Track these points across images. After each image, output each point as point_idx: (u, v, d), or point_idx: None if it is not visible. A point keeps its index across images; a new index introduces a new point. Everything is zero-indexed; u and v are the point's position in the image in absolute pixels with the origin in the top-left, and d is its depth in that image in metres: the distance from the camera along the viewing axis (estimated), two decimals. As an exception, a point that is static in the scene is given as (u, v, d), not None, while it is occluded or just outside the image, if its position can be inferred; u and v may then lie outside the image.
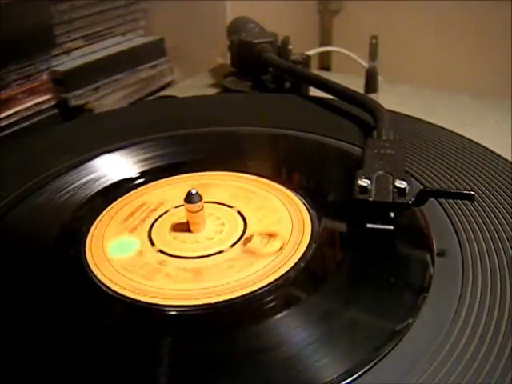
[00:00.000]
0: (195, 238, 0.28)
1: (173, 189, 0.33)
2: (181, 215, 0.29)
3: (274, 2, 0.76)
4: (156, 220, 0.30)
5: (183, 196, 0.28)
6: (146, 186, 0.33)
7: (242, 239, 0.28)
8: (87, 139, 0.39)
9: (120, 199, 0.32)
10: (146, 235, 0.28)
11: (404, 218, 0.27)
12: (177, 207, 0.31)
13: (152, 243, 0.28)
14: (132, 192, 0.33)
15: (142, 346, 0.21)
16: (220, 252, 0.27)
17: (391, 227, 0.26)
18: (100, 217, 0.30)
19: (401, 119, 0.39)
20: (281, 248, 0.27)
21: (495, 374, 0.18)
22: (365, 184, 0.26)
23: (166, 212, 0.30)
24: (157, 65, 0.66)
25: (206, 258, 0.26)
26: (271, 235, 0.28)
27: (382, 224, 0.26)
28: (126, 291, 0.24)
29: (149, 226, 0.29)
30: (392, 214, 0.26)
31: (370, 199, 0.26)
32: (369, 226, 0.26)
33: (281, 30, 0.55)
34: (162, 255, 0.27)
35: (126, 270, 0.26)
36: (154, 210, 0.31)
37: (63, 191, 0.32)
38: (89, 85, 0.57)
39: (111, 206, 0.31)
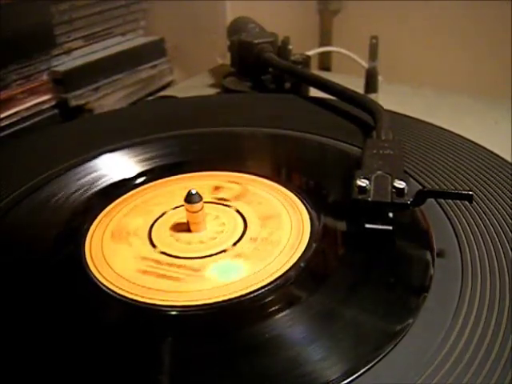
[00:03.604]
0: (198, 238, 0.28)
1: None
2: (180, 216, 0.29)
3: (274, 1, 0.76)
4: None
5: (181, 197, 0.28)
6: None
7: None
8: (87, 139, 0.39)
9: (115, 202, 0.32)
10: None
11: (404, 219, 0.27)
12: (175, 208, 0.31)
13: (153, 245, 0.28)
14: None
15: (142, 346, 0.21)
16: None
17: (390, 227, 0.26)
18: (100, 217, 0.30)
19: (401, 119, 0.39)
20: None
21: (495, 374, 0.18)
22: (363, 184, 0.26)
23: (164, 213, 0.30)
24: (157, 65, 0.66)
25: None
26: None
27: (380, 224, 0.26)
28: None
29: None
30: (391, 215, 0.26)
31: (369, 199, 0.26)
32: (367, 226, 0.26)
33: (281, 30, 0.55)
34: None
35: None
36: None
37: (63, 191, 0.32)
38: (89, 85, 0.57)
39: (110, 206, 0.31)
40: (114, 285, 0.25)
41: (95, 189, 0.33)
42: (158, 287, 0.25)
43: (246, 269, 0.25)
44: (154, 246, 0.28)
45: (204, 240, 0.28)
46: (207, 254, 0.27)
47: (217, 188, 0.32)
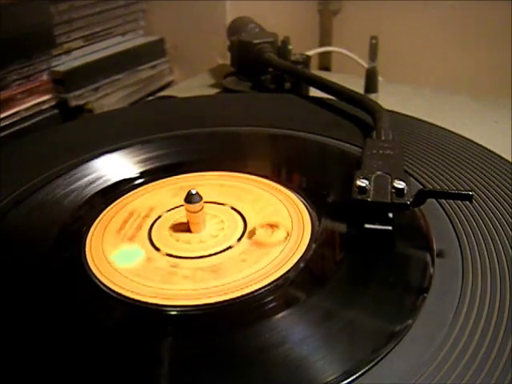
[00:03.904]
0: (199, 238, 0.28)
1: (171, 190, 0.33)
2: (179, 216, 0.29)
3: (274, 1, 0.76)
4: (152, 225, 0.30)
5: (181, 197, 0.28)
6: (146, 186, 0.33)
7: (246, 233, 0.28)
8: (87, 139, 0.39)
9: (115, 202, 0.32)
10: (147, 241, 0.28)
11: (404, 219, 0.27)
12: (169, 210, 0.31)
13: (156, 248, 0.28)
14: (130, 193, 0.33)
15: (142, 346, 0.21)
16: (229, 247, 0.27)
17: (389, 227, 0.26)
18: (100, 217, 0.30)
19: (401, 119, 0.39)
20: (287, 236, 0.27)
21: (495, 375, 0.18)
22: (363, 184, 0.26)
23: (159, 217, 0.30)
24: (157, 65, 0.66)
25: (217, 256, 0.27)
26: (273, 225, 0.28)
27: (380, 224, 0.26)
28: (126, 291, 0.24)
29: (147, 231, 0.29)
30: (390, 215, 0.26)
31: (368, 199, 0.26)
32: (367, 226, 0.26)
33: (281, 30, 0.55)
34: (172, 258, 0.27)
35: (140, 276, 0.25)
36: (147, 216, 0.30)
37: (63, 191, 0.32)
38: (89, 85, 0.57)
39: (110, 206, 0.31)
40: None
41: (95, 189, 0.33)
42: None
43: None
44: (155, 247, 0.28)
45: (207, 239, 0.28)
46: (214, 251, 0.27)
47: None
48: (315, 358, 0.20)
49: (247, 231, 0.28)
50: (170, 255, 0.27)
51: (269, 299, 0.23)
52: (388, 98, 0.46)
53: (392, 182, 0.27)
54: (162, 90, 0.66)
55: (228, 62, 0.59)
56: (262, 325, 0.22)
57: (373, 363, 0.19)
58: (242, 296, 0.24)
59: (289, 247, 0.27)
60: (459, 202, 0.28)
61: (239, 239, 0.28)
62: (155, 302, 0.24)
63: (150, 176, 0.34)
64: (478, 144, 0.35)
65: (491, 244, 0.25)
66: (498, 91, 0.71)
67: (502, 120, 0.47)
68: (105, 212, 0.31)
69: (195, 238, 0.28)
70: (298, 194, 0.31)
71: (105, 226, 0.30)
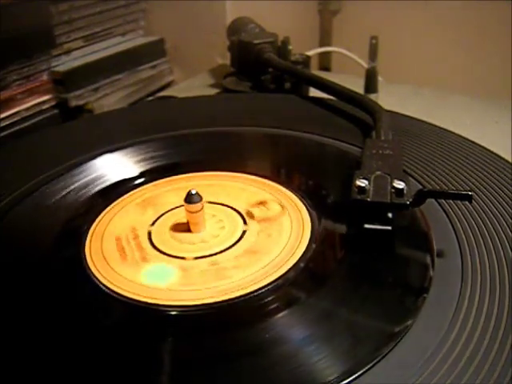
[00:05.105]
0: (199, 238, 0.28)
1: (171, 190, 0.33)
2: (179, 216, 0.29)
3: (274, 2, 0.76)
4: (154, 222, 0.30)
5: (181, 197, 0.28)
6: (146, 186, 0.33)
7: (245, 238, 0.28)
8: (87, 139, 0.39)
9: (115, 202, 0.32)
10: (146, 238, 0.28)
11: (404, 219, 0.27)
12: (174, 208, 0.31)
13: (155, 247, 0.28)
14: (130, 193, 0.33)
15: (141, 346, 0.21)
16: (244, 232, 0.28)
17: (389, 228, 0.26)
18: (100, 217, 0.30)
19: (400, 119, 0.39)
20: (282, 207, 0.29)
21: (494, 375, 0.18)
22: (363, 184, 0.26)
23: (164, 214, 0.30)
24: (157, 65, 0.66)
25: (213, 257, 0.27)
26: (262, 202, 0.28)
27: (379, 224, 0.26)
28: (126, 291, 0.24)
29: (148, 228, 0.29)
30: (390, 215, 0.26)
31: (368, 199, 0.26)
32: (366, 226, 0.26)
33: (281, 30, 0.55)
34: (207, 259, 0.27)
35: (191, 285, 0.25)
36: (136, 237, 0.29)
37: (63, 191, 0.32)
38: (89, 85, 0.57)
39: (110, 206, 0.31)
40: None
41: (95, 189, 0.33)
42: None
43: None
44: (155, 247, 0.28)
45: (209, 238, 0.28)
46: (207, 253, 0.27)
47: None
48: (315, 358, 0.20)
49: (245, 235, 0.28)
50: (170, 255, 0.27)
51: (269, 299, 0.23)
52: (388, 98, 0.46)
53: (392, 182, 0.27)
54: (162, 90, 0.66)
55: (228, 62, 0.59)
56: (262, 325, 0.22)
57: (373, 363, 0.19)
58: (242, 296, 0.24)
59: (289, 247, 0.27)
60: (459, 202, 0.28)
61: (236, 242, 0.28)
62: (155, 302, 0.24)
63: (149, 176, 0.34)
64: (477, 144, 0.35)
65: (491, 244, 0.25)
66: (498, 91, 0.71)
67: (502, 120, 0.47)
68: (105, 212, 0.31)
69: (195, 238, 0.28)
70: (297, 194, 0.31)
71: (108, 221, 0.30)
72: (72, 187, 0.33)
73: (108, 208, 0.31)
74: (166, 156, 0.36)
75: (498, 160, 0.33)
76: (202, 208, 0.28)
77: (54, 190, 0.32)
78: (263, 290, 0.24)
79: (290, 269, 0.25)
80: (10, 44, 0.50)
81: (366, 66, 0.51)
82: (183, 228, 0.29)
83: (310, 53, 0.62)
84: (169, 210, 0.31)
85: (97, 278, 0.25)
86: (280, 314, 0.22)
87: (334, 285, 0.24)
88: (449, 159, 0.33)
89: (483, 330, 0.20)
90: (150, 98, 0.61)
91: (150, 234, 0.29)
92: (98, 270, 0.26)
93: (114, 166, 0.35)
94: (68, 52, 0.58)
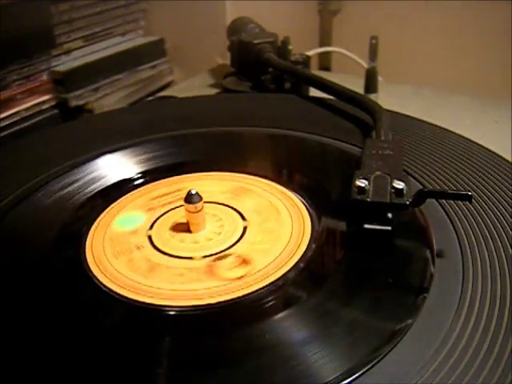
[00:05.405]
0: (198, 238, 0.28)
1: (170, 190, 0.33)
2: (179, 216, 0.29)
3: (274, 2, 0.76)
4: (154, 222, 0.30)
5: (181, 197, 0.28)
6: (146, 187, 0.33)
7: (245, 238, 0.28)
8: (87, 139, 0.39)
9: (115, 203, 0.32)
10: (146, 238, 0.28)
11: (404, 218, 0.27)
12: (174, 208, 0.30)
13: (155, 247, 0.28)
14: (130, 193, 0.33)
15: (141, 346, 0.21)
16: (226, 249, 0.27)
17: (389, 228, 0.26)
18: (100, 217, 0.30)
19: (400, 119, 0.39)
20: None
21: (495, 375, 0.18)
22: (362, 184, 0.26)
23: (163, 214, 0.30)
24: (157, 65, 0.66)
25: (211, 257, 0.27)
26: (245, 262, 0.26)
27: (379, 225, 0.26)
28: (126, 291, 0.24)
29: (148, 228, 0.29)
30: (390, 215, 0.26)
31: (368, 200, 0.26)
32: (366, 226, 0.26)
33: (281, 30, 0.55)
34: (207, 259, 0.27)
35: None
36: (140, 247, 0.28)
37: (63, 191, 0.32)
38: (89, 85, 0.57)
39: (110, 207, 0.31)
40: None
41: (95, 189, 0.33)
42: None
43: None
44: (155, 247, 0.28)
45: (202, 240, 0.28)
46: (207, 254, 0.27)
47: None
48: (315, 358, 0.20)
49: (245, 236, 0.28)
50: (169, 254, 0.27)
51: (269, 299, 0.23)
52: (388, 98, 0.46)
53: (391, 182, 0.27)
54: (162, 90, 0.66)
55: (228, 62, 0.59)
56: (262, 325, 0.22)
57: (373, 363, 0.19)
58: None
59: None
60: (459, 202, 0.28)
61: (237, 241, 0.28)
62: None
63: (149, 176, 0.34)
64: (478, 144, 0.35)
65: (491, 244, 0.25)
66: (498, 91, 0.71)
67: (502, 120, 0.47)
68: (105, 212, 0.31)
69: (195, 238, 0.28)
70: (297, 193, 0.31)
71: (108, 222, 0.30)
72: (72, 187, 0.33)
73: (108, 208, 0.31)
74: (165, 156, 0.36)
75: (498, 160, 0.33)
76: (201, 208, 0.28)
77: (53, 190, 0.32)
78: (263, 290, 0.24)
79: (290, 269, 0.25)
80: (10, 44, 0.50)
81: (365, 66, 0.51)
82: (183, 228, 0.29)
83: (310, 53, 0.62)
84: (169, 210, 0.31)
85: (97, 278, 0.25)
86: (280, 314, 0.22)
87: (334, 285, 0.24)
88: (449, 159, 0.33)
89: (484, 331, 0.20)
90: (150, 98, 0.61)
91: (162, 215, 0.29)
92: (97, 270, 0.26)
93: (113, 166, 0.35)
94: (68, 52, 0.58)
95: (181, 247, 0.27)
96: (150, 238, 0.28)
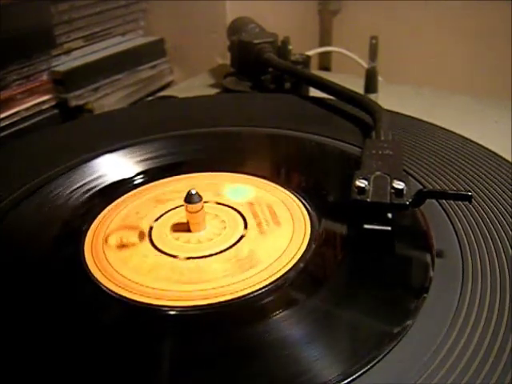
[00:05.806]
0: (197, 238, 0.28)
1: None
2: (179, 216, 0.29)
3: (274, 1, 0.76)
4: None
5: (181, 197, 0.28)
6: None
7: (246, 238, 0.28)
8: (87, 139, 0.39)
9: (115, 202, 0.32)
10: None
11: (404, 219, 0.27)
12: (174, 209, 0.30)
13: (155, 246, 0.28)
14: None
15: (141, 346, 0.21)
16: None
17: (389, 228, 0.26)
18: (100, 217, 0.30)
19: (400, 119, 0.39)
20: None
21: (494, 375, 0.18)
22: (362, 185, 0.26)
23: (163, 214, 0.30)
24: (157, 65, 0.66)
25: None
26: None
27: (379, 225, 0.26)
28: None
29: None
30: (389, 215, 0.26)
31: (368, 200, 0.26)
32: (366, 226, 0.26)
33: (281, 30, 0.55)
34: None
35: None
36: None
37: (63, 191, 0.32)
38: (89, 85, 0.57)
39: (110, 206, 0.31)
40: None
41: (95, 189, 0.33)
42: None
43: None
44: (155, 247, 0.28)
45: (205, 240, 0.28)
46: (206, 253, 0.27)
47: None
48: (315, 358, 0.20)
49: (245, 236, 0.28)
50: (169, 254, 0.27)
51: (269, 299, 0.23)
52: (388, 98, 0.46)
53: (391, 183, 0.27)
54: (162, 90, 0.66)
55: (228, 62, 0.59)
56: (262, 325, 0.22)
57: (372, 363, 0.19)
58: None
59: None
60: (459, 202, 0.28)
61: (238, 241, 0.28)
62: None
63: (149, 176, 0.34)
64: (478, 144, 0.35)
65: (491, 244, 0.25)
66: (498, 91, 0.71)
67: (502, 120, 0.47)
68: (104, 212, 0.31)
69: (195, 238, 0.28)
70: (297, 194, 0.31)
71: (108, 222, 0.30)
72: (72, 187, 0.33)
73: (108, 208, 0.31)
74: (165, 156, 0.36)
75: (498, 160, 0.33)
76: (201, 208, 0.28)
77: (53, 190, 0.32)
78: (263, 291, 0.24)
79: (290, 269, 0.25)
80: (10, 44, 0.50)
81: (366, 65, 0.51)
82: (183, 228, 0.29)
83: (310, 53, 0.62)
84: (168, 210, 0.31)
85: (96, 278, 0.25)
86: (280, 315, 0.22)
87: (334, 285, 0.24)
88: (449, 159, 0.33)
89: (484, 330, 0.20)
90: (150, 98, 0.61)
91: (150, 234, 0.29)
92: (97, 270, 0.26)
93: (114, 166, 0.35)
94: (68, 52, 0.58)
95: (181, 247, 0.27)
96: (150, 237, 0.28)
